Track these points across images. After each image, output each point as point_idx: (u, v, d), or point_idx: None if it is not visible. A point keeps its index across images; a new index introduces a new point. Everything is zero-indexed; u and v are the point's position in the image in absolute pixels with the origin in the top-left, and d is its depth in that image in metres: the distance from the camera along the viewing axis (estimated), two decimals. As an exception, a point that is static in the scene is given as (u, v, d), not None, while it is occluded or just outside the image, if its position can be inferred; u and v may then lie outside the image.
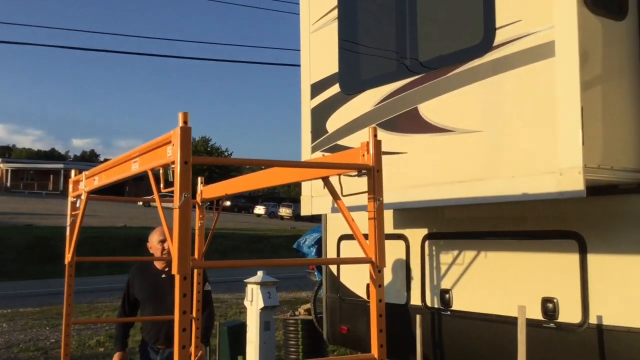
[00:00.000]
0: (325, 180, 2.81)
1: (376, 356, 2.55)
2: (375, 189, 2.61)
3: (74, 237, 4.00)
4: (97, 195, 3.98)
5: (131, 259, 4.64)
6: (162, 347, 4.62)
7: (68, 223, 4.06)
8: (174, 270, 2.30)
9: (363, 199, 2.79)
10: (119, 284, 19.89)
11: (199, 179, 4.26)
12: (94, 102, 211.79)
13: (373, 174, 2.60)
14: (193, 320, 3.99)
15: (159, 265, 4.69)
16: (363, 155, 2.66)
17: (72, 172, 4.21)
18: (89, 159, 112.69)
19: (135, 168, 2.96)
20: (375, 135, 2.65)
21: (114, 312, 13.88)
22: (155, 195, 2.72)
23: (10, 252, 27.37)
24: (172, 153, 2.41)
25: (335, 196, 2.81)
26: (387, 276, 5.32)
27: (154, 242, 4.67)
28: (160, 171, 2.67)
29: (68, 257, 4.07)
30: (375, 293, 2.64)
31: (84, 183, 3.86)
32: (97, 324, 12.26)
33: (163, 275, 4.64)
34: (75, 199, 4.07)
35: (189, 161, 2.30)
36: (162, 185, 2.70)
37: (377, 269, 2.64)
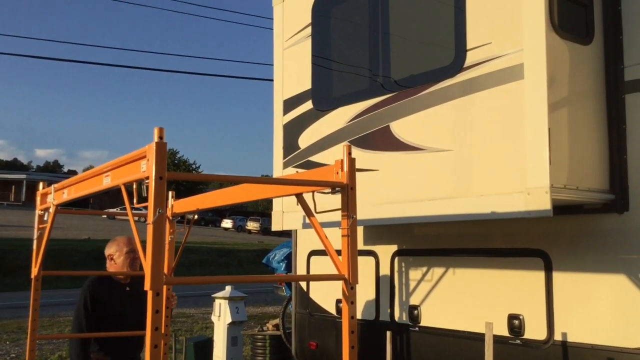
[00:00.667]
0: (299, 197, 2.85)
1: None
2: (349, 206, 2.64)
3: (41, 251, 3.94)
4: (66, 208, 3.89)
5: (101, 273, 4.49)
6: None
7: (35, 236, 3.99)
8: (147, 287, 2.28)
9: (335, 216, 2.82)
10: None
11: (170, 193, 4.14)
12: (58, 111, 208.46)
13: (347, 191, 2.64)
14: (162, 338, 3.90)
15: (122, 278, 4.42)
16: (337, 172, 2.71)
17: (40, 185, 4.13)
18: (52, 170, 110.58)
19: (107, 182, 2.94)
20: (349, 153, 2.70)
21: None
22: (128, 211, 2.70)
23: (-31, 265, 26.62)
24: (147, 168, 2.42)
25: (308, 213, 2.82)
26: (357, 292, 5.34)
27: (119, 252, 4.36)
28: (134, 186, 2.66)
29: (35, 270, 3.99)
30: (347, 310, 2.65)
31: (52, 196, 3.79)
32: (60, 339, 12.00)
33: (127, 289, 4.42)
34: (42, 212, 4.00)
35: (164, 176, 2.30)
36: (135, 200, 2.68)
37: (350, 285, 2.66)
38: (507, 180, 3.43)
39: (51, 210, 3.80)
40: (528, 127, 3.37)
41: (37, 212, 4.06)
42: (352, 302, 2.67)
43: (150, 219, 2.27)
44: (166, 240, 4.00)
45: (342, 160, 2.68)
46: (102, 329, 4.25)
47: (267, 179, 3.08)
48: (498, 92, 3.57)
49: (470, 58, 3.75)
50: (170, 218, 4.11)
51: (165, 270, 3.70)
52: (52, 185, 3.86)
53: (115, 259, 4.38)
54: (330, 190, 2.72)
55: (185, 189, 64.55)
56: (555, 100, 3.38)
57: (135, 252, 4.27)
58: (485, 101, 3.64)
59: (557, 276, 3.85)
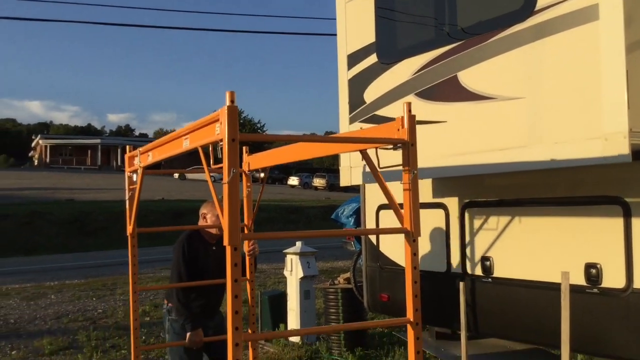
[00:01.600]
0: (363, 153, 2.89)
1: (412, 319, 2.68)
2: (410, 162, 2.69)
3: (133, 210, 4.23)
4: (151, 170, 4.14)
5: (193, 227, 4.75)
6: (204, 316, 4.70)
7: (127, 197, 4.29)
8: (225, 242, 2.40)
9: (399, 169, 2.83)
10: (157, 256, 20.42)
11: (244, 148, 4.36)
12: (129, 77, 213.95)
13: (408, 147, 2.67)
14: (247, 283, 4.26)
15: (209, 237, 4.74)
16: (398, 129, 2.73)
17: (127, 148, 4.39)
18: (124, 134, 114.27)
19: (186, 145, 3.05)
20: (409, 110, 2.72)
21: (157, 282, 14.26)
22: (206, 172, 2.80)
23: (53, 227, 28.15)
24: (220, 131, 2.49)
25: (372, 169, 2.89)
26: (427, 245, 5.36)
27: (211, 213, 4.70)
28: (210, 148, 2.74)
29: (129, 228, 4.31)
30: (410, 261, 2.74)
31: (138, 159, 4.02)
32: (142, 294, 12.62)
33: (214, 248, 4.73)
34: (131, 173, 4.27)
35: (237, 138, 2.39)
36: (211, 162, 2.77)
37: (412, 238, 2.72)
38: (583, 126, 3.33)
39: (139, 172, 4.04)
40: (604, 70, 3.24)
41: (127, 174, 4.32)
42: (414, 254, 2.74)
43: (226, 178, 2.37)
44: (244, 193, 4.32)
45: (402, 117, 2.72)
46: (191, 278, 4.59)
47: (331, 137, 3.14)
48: (571, 35, 3.44)
49: (542, 1, 3.61)
50: (247, 172, 4.30)
51: (246, 222, 4.13)
52: (138, 149, 4.09)
53: (207, 218, 4.74)
54: (392, 147, 2.76)
55: (251, 148, 65.46)
56: (633, 41, 3.22)
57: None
58: (558, 45, 3.51)
59: (636, 223, 3.73)
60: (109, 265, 18.92)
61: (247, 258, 4.65)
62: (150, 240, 27.14)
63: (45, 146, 72.75)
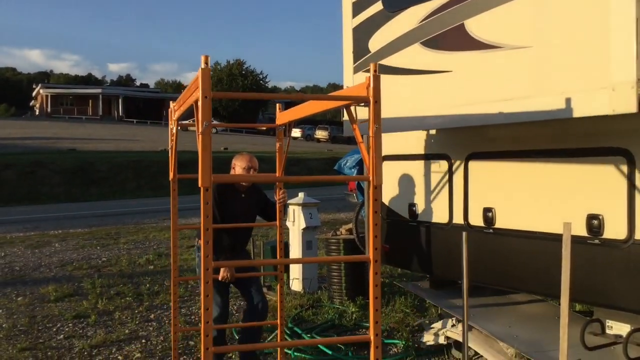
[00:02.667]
0: (347, 109, 3.22)
1: (371, 257, 3.02)
2: (374, 117, 2.99)
3: (173, 158, 4.78)
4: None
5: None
6: (229, 254, 5.13)
7: (169, 147, 4.79)
8: (200, 184, 2.78)
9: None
10: (162, 206, 20.54)
11: (277, 105, 4.75)
12: (129, 26, 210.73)
13: (371, 104, 2.99)
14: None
15: (239, 186, 5.20)
16: (367, 87, 3.01)
17: (171, 103, 4.68)
18: (125, 84, 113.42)
19: (190, 100, 3.43)
20: (375, 71, 3.00)
21: (160, 232, 14.40)
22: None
23: (56, 176, 28.26)
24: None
25: (352, 121, 3.17)
26: (429, 196, 5.37)
27: (239, 166, 5.15)
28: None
29: (171, 174, 4.86)
30: (372, 206, 3.07)
31: (175, 113, 4.49)
32: (146, 243, 12.77)
33: (243, 195, 5.19)
34: (172, 126, 4.68)
35: (209, 96, 2.77)
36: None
37: (374, 185, 3.04)
38: (590, 76, 3.27)
39: (174, 125, 4.61)
40: (613, 19, 3.17)
41: (170, 126, 4.74)
42: (375, 200, 3.07)
43: (199, 130, 2.77)
44: (277, 147, 4.92)
45: (369, 77, 3.00)
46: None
47: (309, 96, 3.30)
48: (582, -18, 3.35)
49: (552, -54, 3.50)
50: (281, 128, 4.80)
51: (278, 173, 4.80)
52: (172, 104, 4.56)
53: (236, 169, 5.18)
54: (364, 104, 3.07)
55: (253, 100, 65.00)
56: (646, -12, 3.14)
57: (251, 170, 5.10)
58: (568, -8, 3.42)
59: (640, 175, 3.72)
60: (112, 215, 19.07)
61: (277, 205, 5.06)
62: (153, 191, 27.32)
63: (46, 96, 72.34)
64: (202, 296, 2.94)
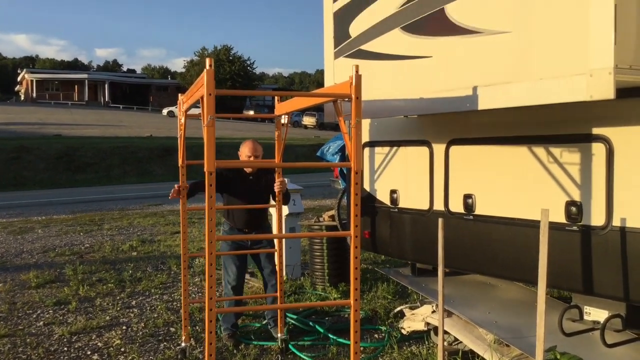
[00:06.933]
0: (335, 104, 3.62)
1: (352, 233, 3.52)
2: (356, 111, 3.43)
3: (182, 146, 5.19)
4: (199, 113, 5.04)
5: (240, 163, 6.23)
6: (247, 229, 5.83)
7: (179, 135, 5.18)
8: (205, 168, 3.23)
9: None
10: (147, 192, 20.43)
11: (276, 98, 5.31)
12: (115, 10, 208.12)
13: (353, 101, 3.44)
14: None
15: (247, 170, 5.78)
16: (350, 85, 3.44)
17: (179, 96, 5.11)
18: (112, 69, 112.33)
19: (197, 95, 3.83)
20: (357, 71, 3.40)
21: (145, 218, 14.32)
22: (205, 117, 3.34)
23: (41, 162, 28.03)
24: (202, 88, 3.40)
25: (338, 114, 3.59)
26: (411, 183, 5.35)
27: (243, 153, 5.73)
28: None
29: (180, 160, 5.29)
30: (353, 188, 3.55)
31: (183, 106, 4.91)
32: (130, 229, 12.69)
33: (250, 177, 5.76)
34: (182, 117, 5.10)
35: (213, 93, 3.24)
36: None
37: (355, 171, 3.51)
38: (569, 61, 3.25)
39: (182, 116, 5.04)
40: (592, 5, 3.14)
41: (179, 116, 5.17)
42: (356, 183, 3.55)
43: (205, 122, 3.20)
44: (276, 135, 5.62)
45: (352, 76, 3.40)
46: (229, 202, 5.81)
47: (298, 93, 3.73)
48: (562, -33, 3.31)
49: None
50: (282, 119, 5.37)
51: (277, 160, 5.52)
52: (180, 97, 5.03)
53: (241, 155, 5.76)
54: (348, 99, 3.48)
55: (240, 85, 64.61)
56: (625, -27, 3.11)
57: (253, 156, 5.64)
58: (547, -23, 3.38)
59: (618, 162, 3.71)
60: (96, 201, 18.94)
61: (277, 192, 5.59)
62: (139, 177, 27.17)
63: (32, 80, 71.50)
64: (206, 267, 3.39)
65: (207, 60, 3.22)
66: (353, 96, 3.41)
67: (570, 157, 3.99)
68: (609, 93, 3.02)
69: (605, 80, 3.04)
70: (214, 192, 3.29)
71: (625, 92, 3.31)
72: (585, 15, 3.16)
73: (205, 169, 3.22)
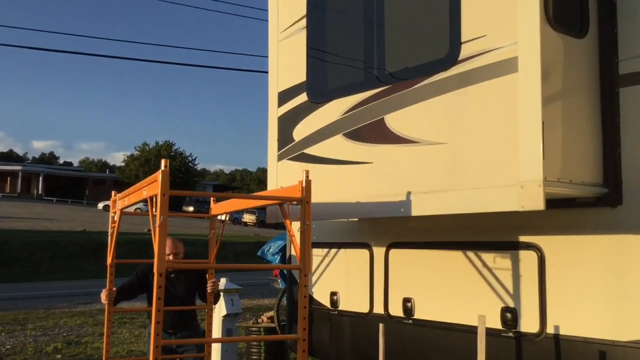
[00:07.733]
0: (281, 206, 3.80)
1: (300, 336, 3.54)
2: (305, 215, 3.56)
3: (113, 243, 5.10)
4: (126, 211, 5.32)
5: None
6: (172, 331, 5.46)
7: (109, 232, 5.12)
8: (155, 269, 3.20)
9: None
10: (76, 290, 19.56)
11: (212, 199, 5.53)
12: (55, 103, 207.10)
13: (303, 204, 3.56)
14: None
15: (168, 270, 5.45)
16: (300, 189, 3.59)
17: (113, 193, 5.22)
18: (48, 161, 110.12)
19: (145, 194, 3.90)
20: (307, 177, 3.58)
21: (72, 318, 13.62)
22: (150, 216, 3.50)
23: (-36, 256, 26.58)
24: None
25: (284, 217, 3.77)
26: (352, 285, 5.35)
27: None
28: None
29: (109, 259, 5.16)
30: (302, 291, 3.62)
31: (118, 203, 4.91)
32: (55, 330, 12.01)
33: (172, 275, 5.46)
34: (114, 214, 5.12)
35: (167, 193, 3.30)
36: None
37: (304, 273, 3.60)
38: (501, 173, 3.43)
39: (117, 214, 5.03)
40: (521, 121, 3.37)
41: (110, 214, 5.18)
42: (305, 286, 3.62)
43: (158, 222, 3.23)
44: (210, 235, 5.68)
45: (301, 181, 3.55)
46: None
47: (249, 195, 3.86)
48: (492, 85, 3.57)
49: (465, 51, 3.74)
50: (213, 218, 5.42)
51: (211, 260, 5.57)
52: (117, 195, 5.06)
53: None
54: (296, 203, 3.65)
55: (181, 181, 64.33)
56: (549, 94, 3.38)
57: (175, 255, 5.37)
58: (479, 94, 3.63)
59: (550, 270, 3.86)
60: (22, 299, 17.96)
61: (207, 294, 5.47)
62: (69, 273, 26.06)
63: (-38, 171, 69.19)
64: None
65: (163, 162, 3.28)
66: (304, 200, 3.52)
67: (504, 263, 4.12)
68: (539, 204, 3.18)
69: (536, 192, 3.21)
70: (162, 294, 3.23)
71: (554, 203, 3.51)
72: (515, 130, 3.38)
73: (154, 270, 3.18)
